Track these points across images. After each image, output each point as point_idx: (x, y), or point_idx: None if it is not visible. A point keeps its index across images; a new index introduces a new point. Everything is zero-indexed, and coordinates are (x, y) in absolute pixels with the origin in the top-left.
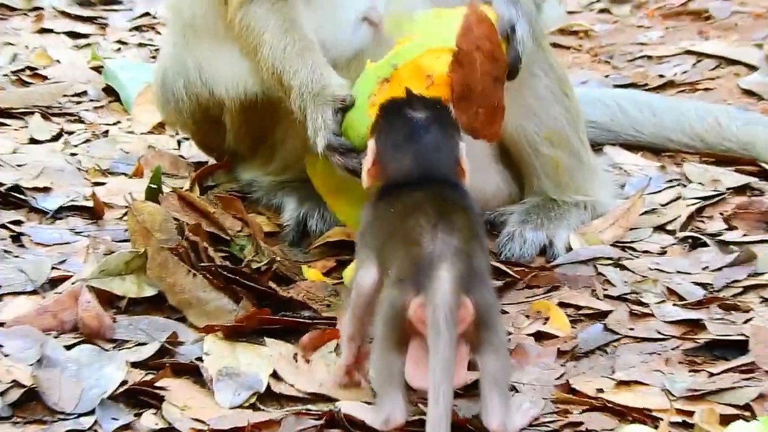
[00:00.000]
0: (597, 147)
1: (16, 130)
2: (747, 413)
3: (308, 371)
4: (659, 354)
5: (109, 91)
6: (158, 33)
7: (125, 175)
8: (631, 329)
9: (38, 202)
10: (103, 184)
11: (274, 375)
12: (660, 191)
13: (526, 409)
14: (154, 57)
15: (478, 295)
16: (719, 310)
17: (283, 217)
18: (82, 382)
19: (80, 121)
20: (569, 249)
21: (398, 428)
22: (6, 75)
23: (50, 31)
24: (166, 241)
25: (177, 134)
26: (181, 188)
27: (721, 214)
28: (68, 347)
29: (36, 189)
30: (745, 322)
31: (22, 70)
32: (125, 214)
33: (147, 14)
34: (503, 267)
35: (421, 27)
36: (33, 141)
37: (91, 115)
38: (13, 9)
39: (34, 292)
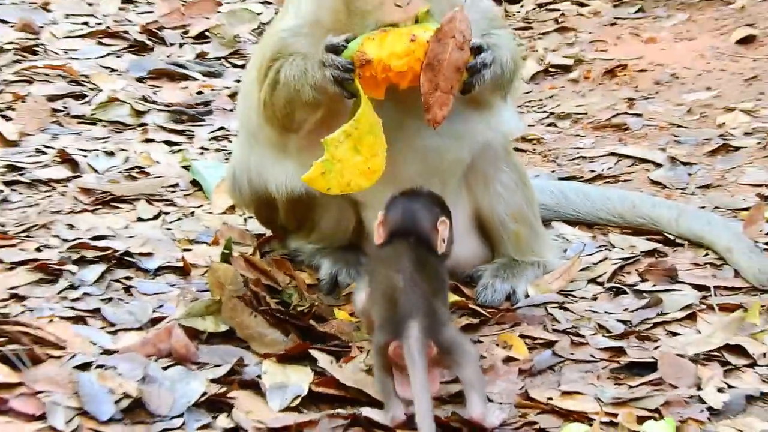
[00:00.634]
0: (546, 222)
1: (127, 211)
2: (657, 415)
3: (337, 386)
4: (592, 372)
5: (195, 184)
6: (230, 141)
7: (206, 243)
8: (572, 354)
9: (143, 264)
10: (190, 250)
11: (312, 387)
12: (592, 254)
13: (498, 413)
14: (227, 159)
15: (440, 336)
16: (636, 340)
17: (320, 273)
18: (174, 393)
19: (173, 204)
20: (527, 296)
21: (400, 424)
22: (120, 172)
23: (152, 140)
24: (236, 291)
25: (243, 214)
26: (247, 253)
27: (637, 270)
28: (164, 368)
29: (141, 254)
30: (655, 348)
31: (132, 168)
32: (206, 272)
33: (222, 128)
34: (479, 309)
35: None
36: (140, 219)
37: (181, 200)
38: (126, 125)
39: (139, 329)
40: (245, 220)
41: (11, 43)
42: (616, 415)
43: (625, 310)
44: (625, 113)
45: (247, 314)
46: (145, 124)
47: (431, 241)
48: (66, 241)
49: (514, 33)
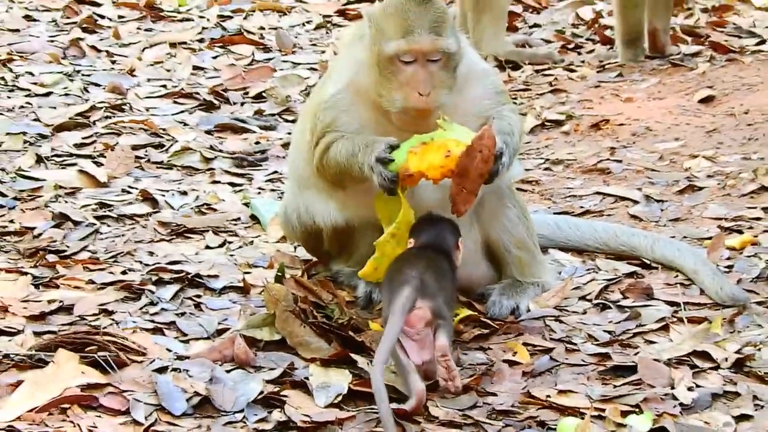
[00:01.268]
0: (544, 249)
1: (197, 241)
2: (637, 410)
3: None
4: (583, 374)
5: (253, 218)
6: (282, 183)
7: (263, 267)
8: (566, 359)
9: (210, 284)
10: (249, 273)
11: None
12: (582, 276)
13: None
14: (279, 197)
15: (434, 303)
16: (619, 347)
17: (357, 292)
18: (236, 392)
19: (236, 235)
20: (529, 310)
21: (423, 396)
22: (192, 208)
23: (218, 182)
24: (287, 307)
25: (293, 243)
26: (296, 275)
27: (619, 289)
28: (228, 371)
29: (209, 276)
30: (635, 354)
31: (202, 205)
32: (262, 290)
33: (276, 172)
34: (489, 321)
35: (456, 128)
36: (207, 247)
37: (242, 231)
38: (196, 169)
39: (207, 338)
40: (295, 248)
41: (102, 102)
42: (603, 410)
43: (609, 322)
44: (608, 159)
45: (297, 325)
46: (213, 169)
47: (452, 255)
48: (147, 265)
49: (515, 95)
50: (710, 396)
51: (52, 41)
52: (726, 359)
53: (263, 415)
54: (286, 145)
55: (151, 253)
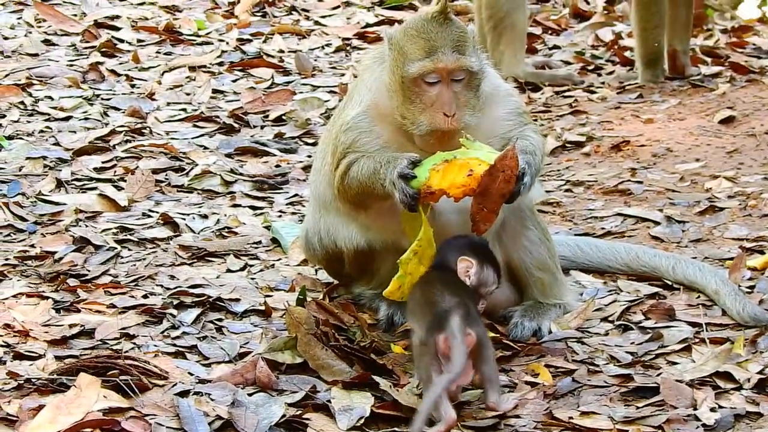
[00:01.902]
0: (566, 271)
1: (218, 264)
2: (660, 431)
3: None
4: (606, 395)
5: (274, 241)
6: (303, 206)
7: (284, 290)
8: (589, 380)
9: (232, 308)
10: (270, 296)
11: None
12: (603, 297)
13: (512, 401)
14: (301, 220)
15: (477, 329)
16: (641, 368)
17: (379, 314)
18: (258, 416)
19: (257, 258)
20: (551, 332)
21: (454, 425)
22: (213, 231)
23: (239, 205)
24: (309, 330)
25: (315, 266)
26: (318, 298)
27: (641, 310)
28: (250, 394)
29: (230, 299)
30: (657, 375)
31: (222, 228)
32: (284, 314)
33: (297, 195)
34: (511, 343)
35: (479, 147)
36: (229, 270)
37: (263, 255)
38: (217, 193)
39: (229, 361)
40: (316, 271)
41: (123, 126)
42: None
43: (632, 343)
44: (629, 180)
45: (319, 348)
46: (233, 192)
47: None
48: (168, 289)
49: (536, 116)
50: (733, 417)
51: (71, 65)
52: (748, 380)
53: None
54: (306, 168)
55: (172, 277)
